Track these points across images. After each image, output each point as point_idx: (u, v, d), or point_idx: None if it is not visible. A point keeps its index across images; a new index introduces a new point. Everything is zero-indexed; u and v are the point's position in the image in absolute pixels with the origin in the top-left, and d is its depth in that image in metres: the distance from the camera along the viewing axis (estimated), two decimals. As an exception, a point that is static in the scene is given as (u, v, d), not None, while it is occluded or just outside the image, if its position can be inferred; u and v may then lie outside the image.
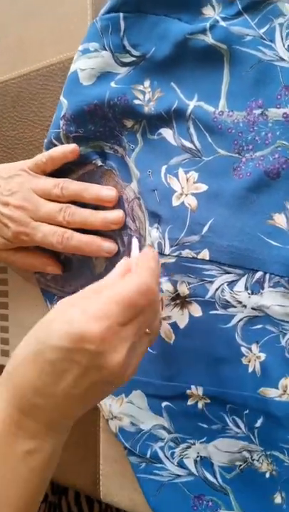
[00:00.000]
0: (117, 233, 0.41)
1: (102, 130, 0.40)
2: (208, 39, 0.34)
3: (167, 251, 0.37)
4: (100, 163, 0.41)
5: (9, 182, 0.41)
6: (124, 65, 0.39)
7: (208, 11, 0.35)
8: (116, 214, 0.40)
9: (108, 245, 0.40)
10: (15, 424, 0.26)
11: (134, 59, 0.39)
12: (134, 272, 0.29)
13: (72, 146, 0.40)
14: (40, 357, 0.25)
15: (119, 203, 0.41)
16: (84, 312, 0.25)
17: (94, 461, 0.45)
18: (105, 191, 0.40)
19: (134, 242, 0.36)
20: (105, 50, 0.39)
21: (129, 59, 0.39)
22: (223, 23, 0.34)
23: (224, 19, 0.34)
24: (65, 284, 0.44)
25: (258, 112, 0.34)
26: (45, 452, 0.27)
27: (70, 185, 0.40)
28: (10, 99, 0.51)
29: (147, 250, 0.32)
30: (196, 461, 0.38)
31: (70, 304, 0.27)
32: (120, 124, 0.40)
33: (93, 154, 0.41)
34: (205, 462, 0.37)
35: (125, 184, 0.41)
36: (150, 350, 0.39)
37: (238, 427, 0.36)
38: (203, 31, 0.35)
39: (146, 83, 0.38)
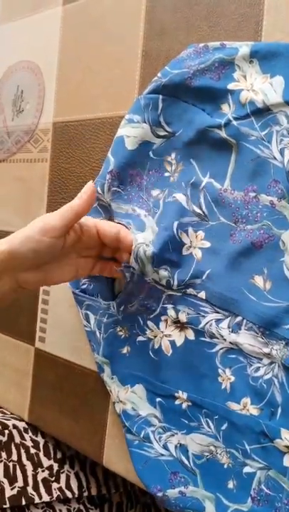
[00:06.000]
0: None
1: (134, 195, 0.51)
2: (222, 133, 0.44)
3: (175, 287, 0.48)
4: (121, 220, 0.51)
5: None
6: (158, 137, 0.49)
7: (225, 108, 0.45)
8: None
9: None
10: None
11: (166, 133, 0.49)
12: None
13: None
14: None
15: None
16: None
17: (101, 436, 0.58)
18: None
19: None
20: (145, 123, 0.49)
21: (162, 133, 0.49)
22: (234, 123, 0.44)
23: (236, 119, 0.44)
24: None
25: (252, 194, 0.44)
26: None
27: None
28: (67, 137, 0.62)
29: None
30: (176, 447, 0.49)
31: None
32: (148, 193, 0.50)
33: (120, 214, 0.51)
34: (182, 449, 0.49)
35: (137, 231, 0.50)
36: (153, 357, 0.51)
37: (209, 427, 0.47)
38: (219, 127, 0.45)
39: (173, 155, 0.49)
